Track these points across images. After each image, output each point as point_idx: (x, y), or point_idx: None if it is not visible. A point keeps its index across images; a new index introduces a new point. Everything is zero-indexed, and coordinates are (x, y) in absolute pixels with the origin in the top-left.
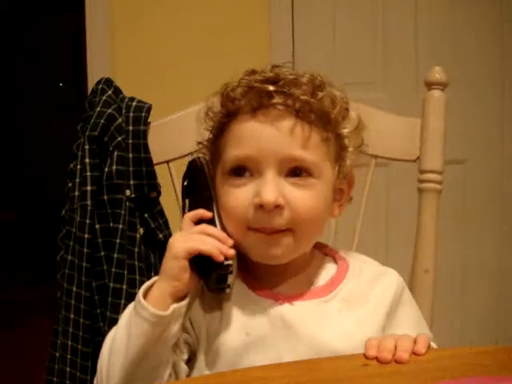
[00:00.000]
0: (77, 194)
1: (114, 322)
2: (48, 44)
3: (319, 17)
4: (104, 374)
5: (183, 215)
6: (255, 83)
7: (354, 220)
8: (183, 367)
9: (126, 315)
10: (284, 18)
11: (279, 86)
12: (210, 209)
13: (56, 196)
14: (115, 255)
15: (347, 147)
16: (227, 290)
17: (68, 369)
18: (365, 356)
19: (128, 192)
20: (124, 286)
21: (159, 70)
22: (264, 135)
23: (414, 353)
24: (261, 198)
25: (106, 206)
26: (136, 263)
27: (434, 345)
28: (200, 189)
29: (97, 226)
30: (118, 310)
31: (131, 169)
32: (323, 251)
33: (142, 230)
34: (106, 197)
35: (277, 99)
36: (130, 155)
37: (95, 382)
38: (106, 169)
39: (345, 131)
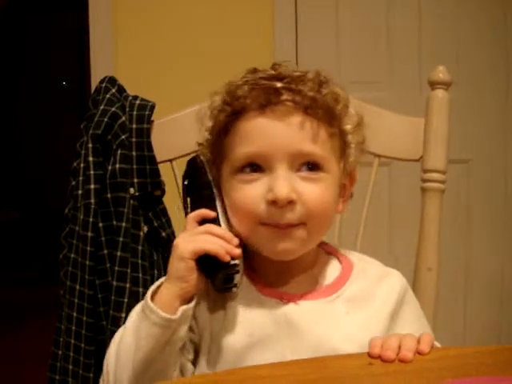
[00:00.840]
0: (80, 192)
1: (116, 320)
2: (51, 42)
3: (323, 16)
4: (111, 377)
5: (185, 215)
6: (262, 80)
7: (357, 219)
8: (190, 368)
9: (134, 318)
10: (288, 18)
11: (286, 83)
12: (212, 208)
13: (59, 194)
14: (118, 253)
15: (350, 143)
16: (234, 290)
17: (70, 367)
18: (369, 355)
19: (132, 190)
20: (127, 284)
21: (162, 69)
22: (274, 131)
23: (417, 352)
24: (274, 194)
25: (109, 204)
26: (139, 261)
27: (437, 344)
28: (201, 188)
29: (100, 225)
30: (121, 308)
31: (135, 167)
32: (325, 249)
33: (145, 228)
34: (109, 195)
35: (285, 96)
36: (134, 153)
37: (100, 383)
38: (110, 167)
39: (348, 127)
